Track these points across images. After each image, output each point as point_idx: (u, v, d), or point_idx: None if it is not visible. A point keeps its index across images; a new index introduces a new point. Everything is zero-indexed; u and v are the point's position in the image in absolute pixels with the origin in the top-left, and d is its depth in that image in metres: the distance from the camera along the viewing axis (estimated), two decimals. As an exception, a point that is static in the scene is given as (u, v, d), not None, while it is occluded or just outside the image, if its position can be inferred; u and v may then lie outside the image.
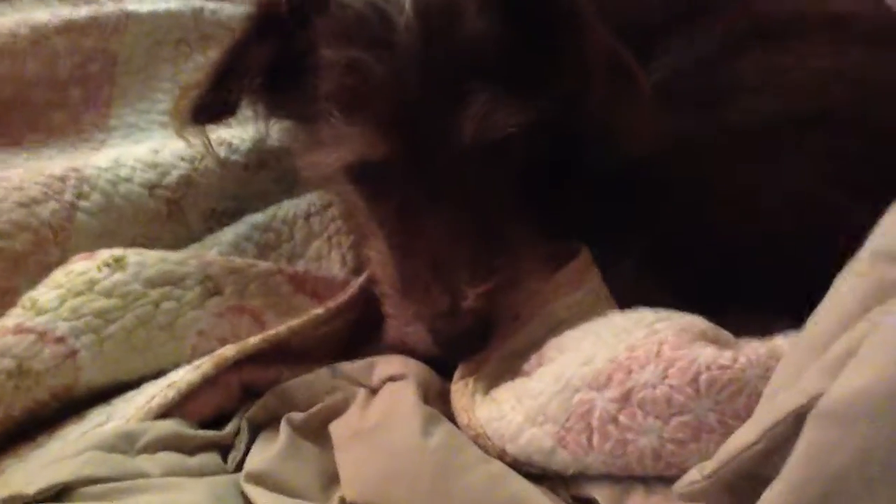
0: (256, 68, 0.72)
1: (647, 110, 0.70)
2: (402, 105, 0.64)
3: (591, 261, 0.73)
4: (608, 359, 0.56)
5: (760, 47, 0.77)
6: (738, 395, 0.52)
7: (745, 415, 0.52)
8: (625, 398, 0.54)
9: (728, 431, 0.52)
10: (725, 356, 0.53)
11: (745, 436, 0.48)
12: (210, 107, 0.74)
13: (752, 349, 0.54)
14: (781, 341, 0.55)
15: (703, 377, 0.53)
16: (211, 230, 0.85)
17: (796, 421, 0.46)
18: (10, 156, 0.86)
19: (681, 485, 0.50)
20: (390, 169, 0.67)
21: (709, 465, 0.49)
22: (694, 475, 0.50)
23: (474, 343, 0.66)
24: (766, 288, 0.72)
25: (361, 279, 0.75)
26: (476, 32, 0.65)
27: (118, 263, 0.71)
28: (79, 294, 0.69)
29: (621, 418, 0.54)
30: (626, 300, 0.71)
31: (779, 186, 0.72)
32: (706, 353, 0.54)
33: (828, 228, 0.69)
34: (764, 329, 0.62)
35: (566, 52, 0.69)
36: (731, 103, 0.74)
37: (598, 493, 0.55)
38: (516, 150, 0.69)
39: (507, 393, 0.62)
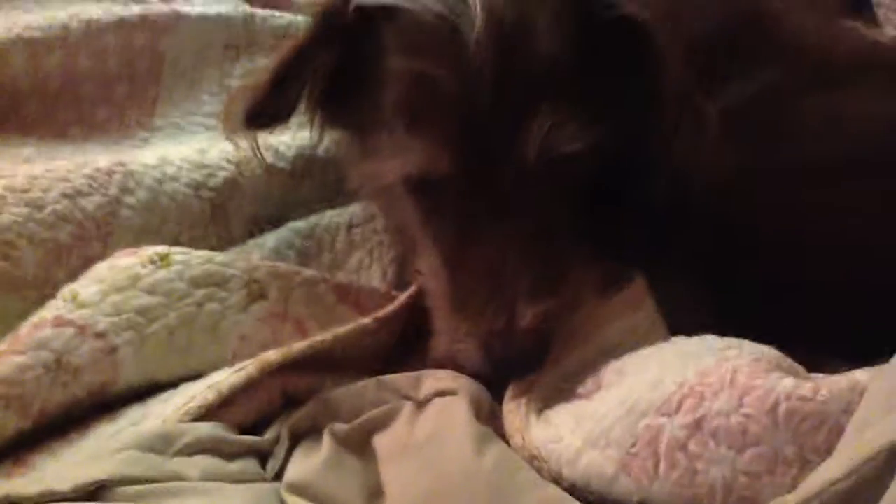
0: (318, 74, 0.71)
1: (711, 143, 0.69)
2: (468, 120, 0.62)
3: (646, 287, 0.71)
4: (677, 383, 0.54)
5: (819, 94, 0.76)
6: (819, 429, 0.50)
7: (825, 449, 0.49)
8: (696, 426, 0.52)
9: (806, 466, 0.49)
10: (806, 387, 0.51)
11: (831, 471, 0.46)
12: (264, 113, 0.73)
13: (833, 381, 0.52)
14: (861, 375, 0.52)
15: (783, 408, 0.50)
16: (252, 236, 0.84)
17: (890, 457, 0.43)
18: (55, 149, 0.85)
19: (758, 519, 0.48)
20: (451, 183, 0.65)
21: (790, 500, 0.47)
22: (773, 510, 0.47)
23: (529, 363, 0.64)
24: (816, 328, 0.70)
25: (410, 291, 0.73)
26: (547, 51, 0.64)
27: (163, 261, 0.69)
28: (121, 290, 0.66)
29: (691, 446, 0.52)
30: (674, 327, 0.69)
31: (836, 231, 0.71)
32: (785, 384, 0.51)
33: (883, 277, 0.68)
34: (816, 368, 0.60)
35: (637, 78, 0.68)
36: (791, 144, 0.73)
37: (663, 524, 0.52)
38: (579, 171, 0.67)
39: (564, 415, 0.59)
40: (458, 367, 0.66)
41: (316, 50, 0.69)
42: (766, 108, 0.75)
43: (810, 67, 0.78)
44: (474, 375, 0.65)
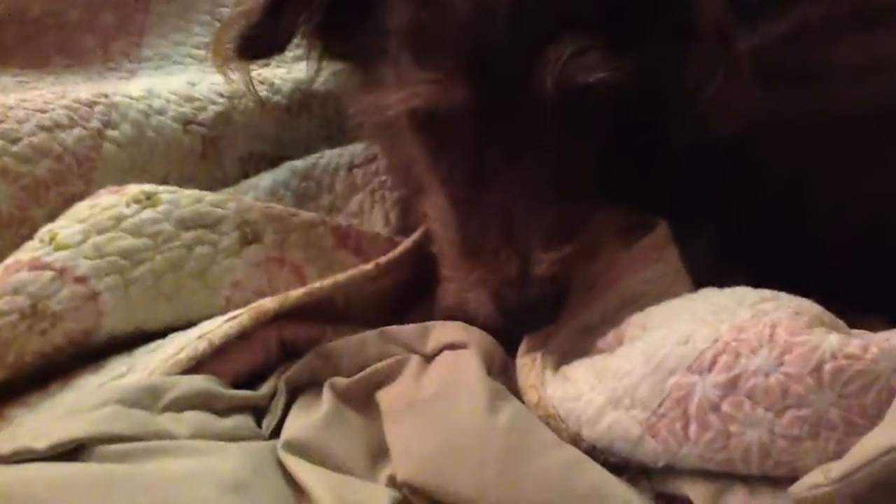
0: (317, 0, 0.65)
1: (743, 84, 0.63)
2: (481, 47, 0.57)
3: (669, 235, 0.66)
4: (710, 339, 0.49)
5: (859, 32, 0.70)
6: (868, 390, 0.45)
7: (873, 413, 0.45)
8: (731, 385, 0.47)
9: (852, 430, 0.45)
10: (853, 344, 0.46)
11: (882, 438, 0.42)
12: (258, 40, 0.67)
13: (883, 338, 0.47)
14: (914, 332, 0.48)
15: (828, 366, 0.46)
16: (246, 175, 0.79)
17: (952, 424, 0.39)
18: (36, 79, 0.80)
19: (800, 488, 0.43)
20: (461, 118, 0.60)
21: (836, 468, 0.42)
22: (817, 478, 0.43)
23: (544, 314, 0.59)
24: (857, 282, 0.66)
25: (416, 235, 0.68)
26: None
27: (149, 200, 0.64)
28: (104, 230, 0.62)
29: (725, 407, 0.47)
30: (697, 280, 0.65)
31: (881, 176, 0.66)
32: (830, 340, 0.47)
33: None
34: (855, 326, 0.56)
35: (664, 12, 0.62)
36: (827, 85, 0.67)
37: (691, 490, 0.48)
38: (601, 107, 0.61)
39: (583, 371, 0.55)
40: (468, 318, 0.61)
41: None
42: (800, 47, 0.70)
43: (849, 3, 0.72)
44: (485, 327, 0.61)
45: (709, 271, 0.66)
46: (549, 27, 0.57)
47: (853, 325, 0.53)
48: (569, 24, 0.57)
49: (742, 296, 0.54)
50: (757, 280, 0.58)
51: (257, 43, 0.67)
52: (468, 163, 0.60)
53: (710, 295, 0.56)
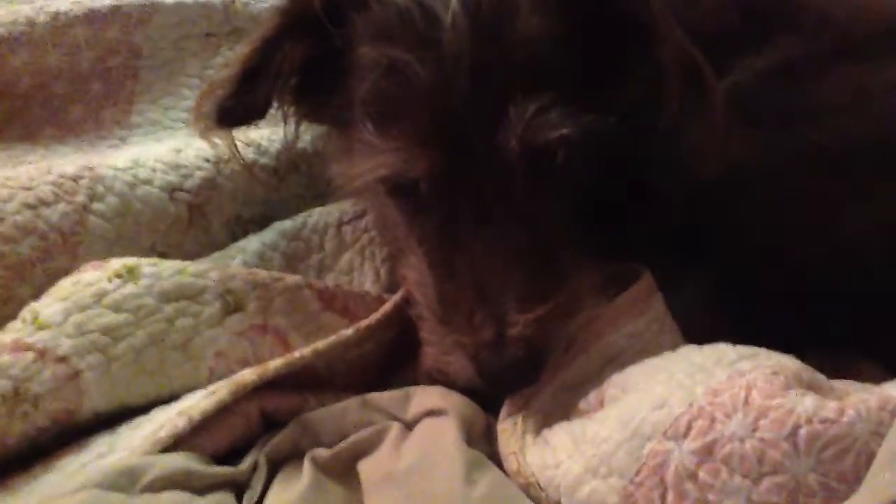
0: (288, 68, 0.65)
1: (720, 127, 0.63)
2: (444, 113, 0.57)
3: (653, 285, 0.65)
4: (686, 403, 0.48)
5: (845, 66, 0.69)
6: (846, 455, 0.44)
7: (852, 478, 0.44)
8: (707, 451, 0.46)
9: (831, 496, 0.44)
10: (829, 407, 0.45)
11: (859, 507, 0.40)
12: (236, 108, 0.67)
13: (860, 399, 0.46)
14: (894, 390, 0.46)
15: (803, 431, 0.45)
16: (235, 238, 0.79)
17: (928, 494, 0.38)
18: (24, 152, 0.81)
19: (778, 560, 0.42)
20: (429, 182, 0.60)
21: (813, 540, 0.41)
22: (795, 550, 0.42)
23: (523, 376, 0.59)
24: (847, 325, 0.64)
25: (397, 297, 0.67)
26: (530, 32, 0.59)
27: (131, 274, 0.64)
28: (85, 308, 0.62)
29: (702, 475, 0.46)
30: (686, 330, 0.64)
31: (867, 214, 0.65)
32: (806, 403, 0.45)
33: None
34: (844, 372, 0.55)
35: (634, 57, 0.62)
36: (812, 123, 0.67)
37: (671, 561, 0.47)
38: (569, 162, 0.61)
39: (563, 436, 0.54)
40: (449, 382, 0.61)
41: (283, 43, 0.64)
42: (783, 84, 0.69)
43: (834, 37, 0.71)
44: (466, 390, 0.60)
45: (695, 317, 0.65)
46: (510, 88, 0.57)
47: (846, 370, 0.52)
48: (532, 83, 0.57)
49: (720, 354, 0.53)
50: (745, 325, 0.57)
51: (235, 112, 0.68)
52: (440, 226, 0.60)
53: (688, 354, 0.55)
